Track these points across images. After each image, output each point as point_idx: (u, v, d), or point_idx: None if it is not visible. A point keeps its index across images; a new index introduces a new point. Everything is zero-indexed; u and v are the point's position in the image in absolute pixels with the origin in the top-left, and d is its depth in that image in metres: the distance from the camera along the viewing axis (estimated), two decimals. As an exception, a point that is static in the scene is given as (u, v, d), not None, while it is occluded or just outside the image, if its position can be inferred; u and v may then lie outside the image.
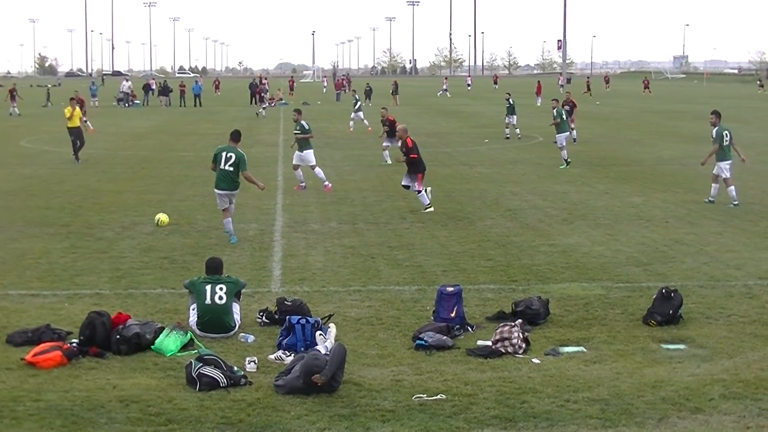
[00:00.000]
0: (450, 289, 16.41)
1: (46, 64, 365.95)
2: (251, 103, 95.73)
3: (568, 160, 39.65)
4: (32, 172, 38.73)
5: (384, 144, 42.06)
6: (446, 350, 14.73)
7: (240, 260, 21.20)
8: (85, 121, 57.96)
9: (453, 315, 16.03)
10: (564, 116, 40.95)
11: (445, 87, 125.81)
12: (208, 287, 15.81)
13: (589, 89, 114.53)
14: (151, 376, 13.61)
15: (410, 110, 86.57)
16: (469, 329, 15.89)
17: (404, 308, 17.24)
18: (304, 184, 33.22)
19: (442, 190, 32.55)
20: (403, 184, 28.65)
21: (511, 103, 54.36)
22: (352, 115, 61.05)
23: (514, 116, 54.20)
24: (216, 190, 23.20)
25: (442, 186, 33.59)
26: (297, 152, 33.49)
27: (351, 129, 59.24)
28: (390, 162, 40.70)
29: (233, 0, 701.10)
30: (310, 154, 33.33)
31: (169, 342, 14.73)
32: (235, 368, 13.46)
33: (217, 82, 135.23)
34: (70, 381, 13.39)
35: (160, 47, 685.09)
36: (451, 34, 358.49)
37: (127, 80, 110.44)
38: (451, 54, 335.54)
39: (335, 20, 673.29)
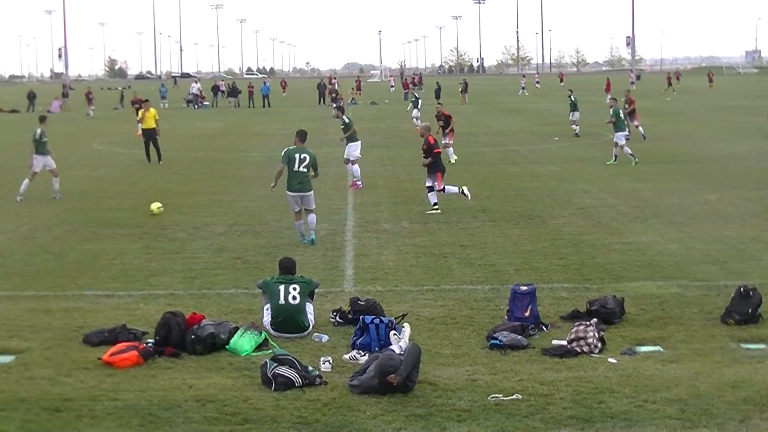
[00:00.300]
0: (524, 288, 16.30)
1: (116, 67, 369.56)
2: (319, 103, 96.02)
3: (635, 157, 39.49)
4: (104, 174, 39.11)
5: (443, 142, 42.08)
6: (521, 350, 14.63)
7: (312, 260, 21.23)
8: (138, 122, 58.49)
9: (527, 314, 15.92)
10: (621, 115, 40.88)
11: (523, 85, 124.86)
12: (282, 287, 15.83)
13: (670, 84, 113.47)
14: (227, 376, 13.65)
15: (477, 109, 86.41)
16: (544, 328, 15.77)
17: (478, 307, 17.16)
18: (360, 183, 33.35)
19: (512, 188, 32.46)
20: (427, 185, 28.29)
21: (573, 100, 54.34)
22: (414, 112, 61.24)
23: (576, 113, 54.11)
24: (289, 192, 23.05)
25: (513, 184, 33.48)
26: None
27: (419, 128, 59.09)
28: (454, 159, 40.94)
29: (300, 1, 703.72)
30: (350, 147, 34.18)
31: (243, 342, 14.77)
32: (310, 368, 13.46)
33: (284, 83, 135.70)
34: (146, 381, 13.47)
35: (227, 49, 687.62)
36: (518, 31, 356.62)
37: (196, 82, 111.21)
38: (518, 52, 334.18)
39: (402, 19, 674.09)
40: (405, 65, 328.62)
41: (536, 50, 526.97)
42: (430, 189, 27.98)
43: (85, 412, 12.26)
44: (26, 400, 12.72)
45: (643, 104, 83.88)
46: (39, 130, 32.20)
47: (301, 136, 23.38)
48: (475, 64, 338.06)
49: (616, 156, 39.80)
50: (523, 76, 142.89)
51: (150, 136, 42.70)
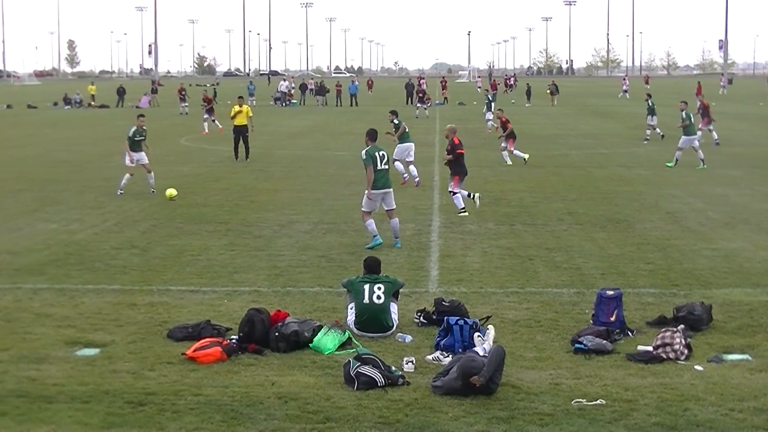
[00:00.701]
0: (610, 292, 16.11)
1: (205, 64, 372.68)
2: (407, 103, 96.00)
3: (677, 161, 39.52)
4: (191, 170, 39.42)
5: (502, 145, 42.42)
6: (606, 355, 14.44)
7: (397, 260, 21.17)
8: (213, 120, 58.84)
9: (613, 319, 15.73)
10: (692, 119, 40.55)
11: (625, 88, 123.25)
12: (367, 286, 15.79)
13: None
14: (309, 374, 13.63)
15: (566, 111, 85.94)
16: (629, 334, 15.56)
17: (562, 311, 16.99)
18: (407, 177, 34.54)
19: (599, 192, 32.18)
20: (450, 189, 28.22)
21: (651, 104, 53.87)
22: (488, 115, 61.06)
23: (655, 117, 53.63)
24: (374, 191, 22.68)
25: (600, 188, 33.20)
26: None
27: (489, 130, 58.72)
28: (510, 162, 41.20)
29: (389, 0, 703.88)
30: (401, 148, 35.23)
31: (327, 340, 14.75)
32: (393, 368, 13.40)
33: (370, 82, 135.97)
34: (229, 377, 13.50)
35: (316, 47, 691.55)
36: (608, 33, 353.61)
37: (285, 80, 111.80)
38: (608, 54, 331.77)
39: (491, 20, 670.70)
40: (493, 66, 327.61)
41: (626, 53, 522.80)
42: (454, 193, 27.88)
43: (167, 406, 12.32)
44: (110, 393, 12.81)
45: (735, 109, 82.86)
46: (134, 128, 32.48)
47: (372, 135, 23.25)
48: (564, 66, 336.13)
49: (702, 160, 39.37)
50: (625, 78, 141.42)
51: (241, 132, 42.92)
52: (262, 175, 37.39)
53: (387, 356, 14.15)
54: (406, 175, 34.56)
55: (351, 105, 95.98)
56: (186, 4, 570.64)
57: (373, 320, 15.57)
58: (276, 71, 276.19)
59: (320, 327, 15.09)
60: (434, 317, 16.02)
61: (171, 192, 30.69)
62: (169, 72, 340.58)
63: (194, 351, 14.22)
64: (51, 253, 22.25)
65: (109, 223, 26.21)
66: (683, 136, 40.20)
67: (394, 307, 15.87)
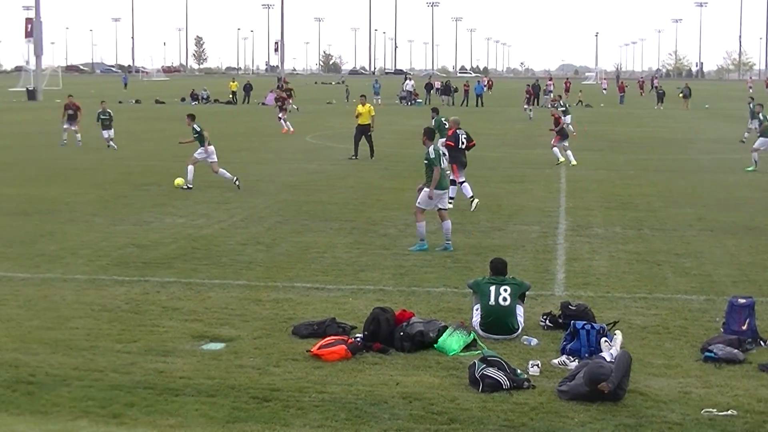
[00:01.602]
0: (742, 300, 15.73)
1: (330, 62, 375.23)
2: (531, 104, 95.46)
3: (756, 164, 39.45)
4: (316, 167, 39.64)
5: (552, 142, 42.31)
6: (737, 364, 14.10)
7: (523, 262, 20.99)
8: (284, 120, 58.73)
9: (744, 328, 15.35)
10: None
11: (751, 92, 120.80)
12: (493, 288, 15.65)
13: None
14: (434, 375, 13.56)
15: (696, 115, 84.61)
16: (762, 344, 15.18)
17: (692, 318, 16.65)
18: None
19: (730, 197, 31.58)
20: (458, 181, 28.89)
21: (752, 108, 53.11)
22: (567, 118, 60.54)
23: (756, 121, 52.70)
24: (438, 191, 22.52)
25: (731, 194, 32.57)
26: None
27: (574, 134, 58.01)
28: (563, 160, 41.00)
29: (517, 1, 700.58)
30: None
31: (452, 341, 14.65)
32: (518, 371, 13.26)
33: (490, 82, 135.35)
34: (353, 375, 13.48)
35: (441, 47, 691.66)
36: (740, 36, 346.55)
37: (410, 79, 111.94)
38: (740, 57, 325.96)
39: (619, 21, 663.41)
40: (621, 68, 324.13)
41: (759, 56, 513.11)
42: (461, 183, 28.77)
43: (292, 402, 12.34)
44: (235, 387, 12.88)
45: None
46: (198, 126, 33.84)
47: (430, 134, 23.22)
48: (694, 69, 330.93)
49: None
50: (750, 81, 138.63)
51: (364, 132, 43.08)
52: (388, 174, 37.44)
53: (512, 359, 14.00)
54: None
55: (477, 105, 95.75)
56: (313, 2, 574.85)
57: (498, 322, 15.43)
58: (401, 70, 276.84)
59: (445, 327, 15.00)
60: (560, 321, 15.82)
61: (179, 181, 32.41)
62: (294, 69, 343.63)
63: (319, 348, 14.23)
64: (178, 247, 22.51)
65: (236, 219, 26.45)
66: (760, 138, 40.31)
67: (520, 310, 15.70)
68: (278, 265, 20.66)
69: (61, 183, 34.09)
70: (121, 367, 13.72)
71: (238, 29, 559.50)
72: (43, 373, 13.45)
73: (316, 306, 17.13)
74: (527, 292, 16.33)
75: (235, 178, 32.59)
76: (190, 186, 32.41)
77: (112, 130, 46.14)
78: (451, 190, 27.76)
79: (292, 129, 57.65)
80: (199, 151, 33.33)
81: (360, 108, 43.84)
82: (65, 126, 48.53)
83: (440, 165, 22.30)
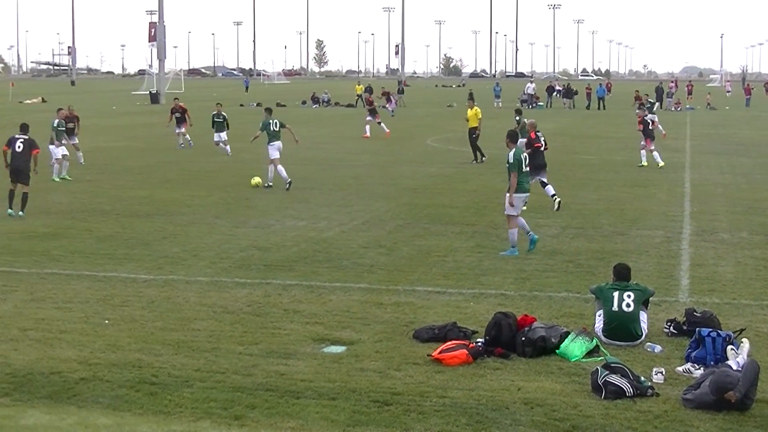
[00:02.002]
0: None
1: (451, 65, 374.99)
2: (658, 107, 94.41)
3: None
4: (437, 171, 39.57)
5: (641, 143, 41.83)
6: None
7: (646, 267, 20.67)
8: (378, 123, 57.66)
9: None
10: None
11: None
12: (616, 294, 15.43)
13: None
14: (556, 381, 13.41)
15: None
16: None
17: (823, 326, 16.24)
18: None
19: None
20: (539, 179, 28.94)
21: None
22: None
23: None
24: (519, 194, 22.38)
25: None
26: None
27: (664, 133, 57.12)
28: (645, 164, 40.68)
29: (639, 2, 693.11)
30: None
31: (574, 347, 14.48)
32: (642, 378, 13.05)
33: (608, 85, 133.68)
34: (475, 380, 13.39)
35: (563, 49, 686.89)
36: None
37: (531, 82, 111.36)
38: None
39: (745, 22, 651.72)
40: (747, 70, 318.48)
41: None
42: (543, 183, 29.18)
43: (413, 407, 12.29)
44: (356, 391, 12.88)
45: None
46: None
47: (513, 137, 23.13)
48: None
49: None
50: None
51: (470, 134, 43.10)
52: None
53: (636, 366, 13.78)
54: None
55: (599, 108, 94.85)
56: (433, 5, 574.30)
57: (622, 328, 15.20)
58: (522, 73, 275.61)
59: (567, 333, 14.84)
60: (685, 328, 15.54)
61: (257, 180, 33.79)
62: (415, 72, 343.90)
63: (440, 353, 14.17)
64: (300, 250, 22.63)
65: (357, 222, 26.51)
66: None
67: (643, 316, 15.46)
68: (399, 268, 20.65)
69: (183, 185, 34.54)
70: (242, 369, 13.81)
71: (359, 32, 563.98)
72: (165, 374, 13.60)
73: (438, 310, 17.06)
74: (651, 298, 16.07)
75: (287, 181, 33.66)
76: (270, 184, 33.87)
77: (224, 133, 46.29)
78: (550, 188, 28.86)
79: (367, 134, 56.59)
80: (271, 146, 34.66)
81: (468, 111, 43.89)
82: (176, 130, 49.25)
83: (518, 170, 22.20)
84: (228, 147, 45.79)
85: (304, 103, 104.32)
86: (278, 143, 34.83)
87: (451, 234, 24.54)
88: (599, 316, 15.50)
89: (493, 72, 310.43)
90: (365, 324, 16.15)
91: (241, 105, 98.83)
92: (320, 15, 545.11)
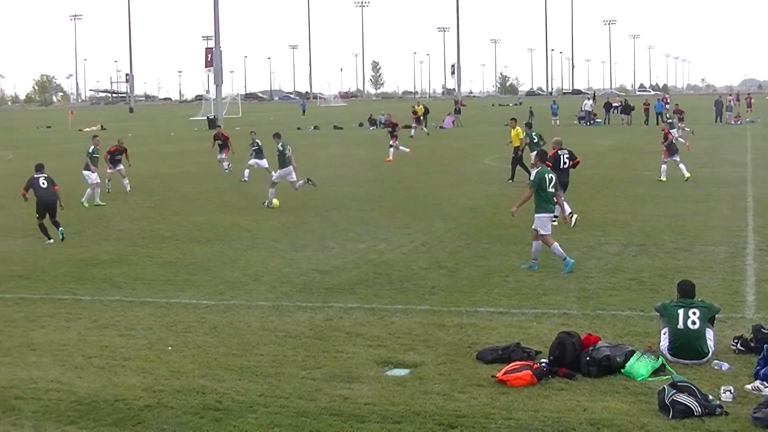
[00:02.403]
0: None
1: (507, 84, 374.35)
2: (716, 121, 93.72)
3: None
4: (496, 190, 39.42)
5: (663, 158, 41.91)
6: None
7: (710, 284, 20.42)
8: (397, 147, 57.06)
9: None
10: None
11: None
12: (681, 311, 15.24)
13: None
14: (622, 400, 13.26)
15: None
16: None
17: None
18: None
19: None
20: None
21: None
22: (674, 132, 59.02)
23: None
24: (545, 215, 22.56)
25: None
26: None
27: (687, 144, 56.68)
28: (664, 179, 40.66)
29: (696, 16, 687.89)
30: None
31: (640, 366, 14.32)
32: (710, 397, 12.87)
33: (665, 99, 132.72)
34: (539, 401, 13.28)
35: (619, 65, 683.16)
36: None
37: (588, 99, 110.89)
38: None
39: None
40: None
41: None
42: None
43: (478, 429, 12.22)
44: (421, 414, 12.81)
45: None
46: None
47: (542, 156, 23.47)
48: None
49: None
50: None
51: (513, 153, 43.02)
52: (570, 196, 36.87)
53: (703, 384, 13.61)
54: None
55: (657, 123, 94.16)
56: (488, 24, 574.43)
57: (688, 346, 15.02)
58: (579, 90, 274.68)
59: (632, 352, 14.68)
60: (753, 345, 15.32)
61: (276, 203, 34.98)
62: (471, 92, 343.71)
63: (504, 374, 14.08)
64: (361, 272, 22.60)
65: (417, 243, 26.44)
66: None
67: (710, 333, 15.26)
68: (461, 289, 20.56)
69: (241, 210, 34.62)
70: (306, 393, 13.79)
71: (415, 53, 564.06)
72: (229, 399, 13.61)
73: (500, 331, 16.96)
74: (717, 315, 15.87)
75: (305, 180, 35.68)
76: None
77: (264, 160, 45.72)
78: (565, 208, 28.30)
79: (390, 158, 55.80)
80: (280, 171, 35.63)
81: (511, 132, 43.93)
82: (219, 156, 49.75)
83: (537, 189, 22.52)
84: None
85: (361, 125, 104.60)
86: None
87: (512, 254, 24.38)
88: (664, 334, 15.33)
89: (549, 89, 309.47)
90: (428, 346, 16.08)
91: (298, 128, 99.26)
92: (375, 36, 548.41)
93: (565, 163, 29.50)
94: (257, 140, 45.85)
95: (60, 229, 28.05)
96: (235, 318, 18.37)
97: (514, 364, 14.39)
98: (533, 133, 42.69)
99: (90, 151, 38.15)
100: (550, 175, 22.90)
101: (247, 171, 45.59)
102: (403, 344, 16.24)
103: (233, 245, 26.84)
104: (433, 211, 32.68)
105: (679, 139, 56.34)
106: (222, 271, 23.14)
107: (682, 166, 41.07)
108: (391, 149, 56.38)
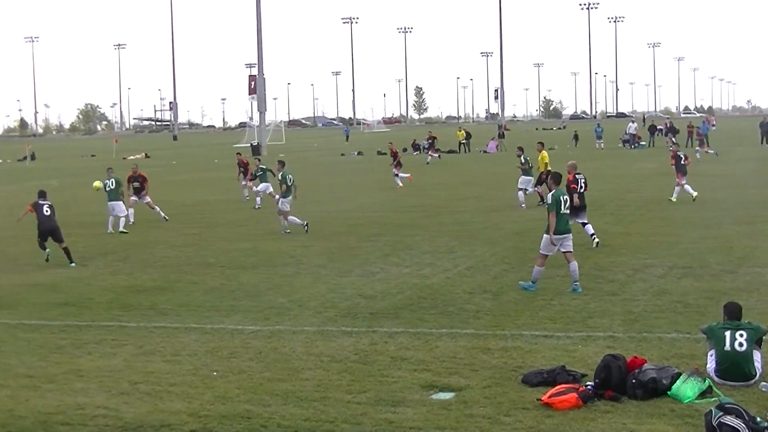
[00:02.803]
0: None
1: (551, 107, 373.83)
2: (761, 143, 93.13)
3: None
4: (540, 214, 38.92)
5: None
6: None
7: (758, 306, 20.23)
8: (396, 175, 57.04)
9: None
10: None
11: None
12: (728, 333, 15.13)
13: None
14: (669, 423, 13.18)
15: None
16: None
17: None
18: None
19: None
20: (578, 221, 29.01)
21: None
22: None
23: None
24: (555, 236, 22.49)
25: None
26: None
27: (702, 157, 56.26)
28: (696, 194, 41.33)
29: (741, 37, 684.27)
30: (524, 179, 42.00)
31: (686, 388, 14.22)
32: (758, 419, 12.75)
33: (709, 120, 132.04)
34: (585, 424, 13.23)
35: (664, 87, 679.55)
36: None
37: (633, 122, 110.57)
38: None
39: None
40: None
41: None
42: (584, 224, 29.82)
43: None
44: (466, 438, 12.78)
45: None
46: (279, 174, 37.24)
47: (557, 179, 23.25)
48: None
49: None
50: None
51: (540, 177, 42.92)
52: (613, 219, 36.83)
53: (751, 406, 13.50)
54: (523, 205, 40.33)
55: (700, 146, 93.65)
56: (531, 48, 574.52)
57: (735, 368, 14.91)
58: (623, 113, 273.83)
59: (679, 374, 14.59)
60: (801, 366, 15.20)
61: (97, 184, 37.63)
62: (515, 116, 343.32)
63: (550, 397, 14.02)
64: (405, 297, 22.59)
65: (461, 268, 26.40)
66: None
67: (757, 355, 15.14)
68: (505, 313, 20.50)
69: (286, 236, 34.65)
70: (351, 417, 13.79)
71: (458, 78, 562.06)
72: (275, 424, 13.63)
73: (545, 354, 16.89)
74: (764, 337, 15.73)
75: (305, 223, 35.32)
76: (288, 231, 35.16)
77: (269, 184, 45.31)
78: (590, 228, 29.38)
79: (401, 184, 55.83)
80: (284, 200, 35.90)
81: (538, 156, 43.85)
82: (242, 183, 50.21)
83: (556, 210, 22.41)
84: (278, 198, 44.29)
85: (405, 150, 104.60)
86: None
87: (556, 277, 24.25)
88: (711, 356, 15.22)
89: (593, 113, 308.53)
90: (473, 370, 16.04)
91: (342, 154, 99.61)
92: (418, 62, 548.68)
93: (581, 187, 29.96)
94: (262, 166, 46.21)
95: (72, 264, 28.98)
96: (279, 343, 18.40)
97: (559, 387, 14.34)
98: (524, 157, 43.70)
99: (104, 184, 38.08)
100: (565, 196, 23.06)
101: (258, 199, 45.80)
102: (447, 368, 16.21)
103: (278, 271, 26.89)
104: (476, 236, 32.64)
105: (696, 155, 56.41)
106: (267, 296, 23.19)
107: (687, 186, 41.64)
108: (396, 178, 56.56)
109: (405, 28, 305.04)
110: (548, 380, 14.93)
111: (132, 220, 39.35)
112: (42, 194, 29.96)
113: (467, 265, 26.77)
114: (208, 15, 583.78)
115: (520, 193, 42.54)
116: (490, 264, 26.92)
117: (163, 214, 40.52)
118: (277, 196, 37.08)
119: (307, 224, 35.21)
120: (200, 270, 27.61)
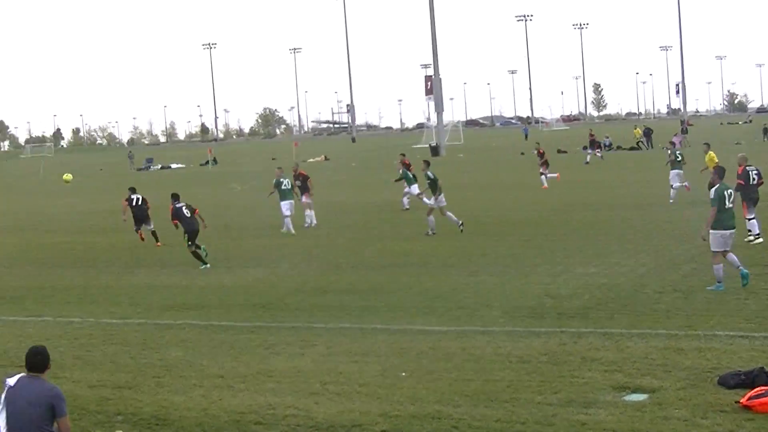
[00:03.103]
0: None
1: (735, 101, 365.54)
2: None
3: None
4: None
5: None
6: None
7: None
8: (545, 175, 56.29)
9: None
10: None
11: None
12: None
13: None
14: None
15: None
16: None
17: None
18: None
19: None
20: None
21: None
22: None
23: None
24: (720, 231, 21.99)
25: None
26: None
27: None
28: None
29: None
30: None
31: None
32: None
33: None
34: None
35: None
36: None
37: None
38: None
39: None
40: None
41: None
42: (750, 219, 29.32)
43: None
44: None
45: None
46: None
47: (721, 173, 22.64)
48: None
49: None
50: None
51: None
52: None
53: None
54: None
55: None
56: (713, 40, 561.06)
57: None
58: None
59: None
60: None
61: (67, 176, 42.00)
62: (697, 111, 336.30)
63: (749, 399, 13.61)
64: (592, 297, 22.24)
65: (649, 266, 25.88)
66: None
67: None
68: (698, 312, 19.99)
69: (472, 235, 34.44)
70: (543, 418, 13.63)
71: (637, 73, 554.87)
72: (465, 425, 13.57)
73: (742, 355, 16.41)
74: None
75: (460, 222, 35.33)
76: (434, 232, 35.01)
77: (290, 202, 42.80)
78: (755, 226, 28.97)
79: (545, 185, 55.10)
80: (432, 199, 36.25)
81: (705, 157, 42.82)
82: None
83: (719, 206, 21.97)
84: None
85: (584, 148, 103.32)
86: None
87: (752, 276, 23.36)
88: None
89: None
90: (666, 371, 15.68)
91: (522, 153, 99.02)
92: (595, 58, 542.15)
93: (753, 179, 29.84)
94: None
95: (202, 247, 30.42)
96: (468, 344, 18.28)
97: (759, 389, 13.88)
98: (677, 152, 44.03)
99: (274, 183, 38.88)
100: (730, 191, 22.53)
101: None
102: (639, 369, 15.89)
103: (463, 271, 26.76)
104: (666, 233, 31.99)
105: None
106: (454, 297, 23.09)
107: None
108: (543, 177, 56.20)
109: (580, 24, 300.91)
110: (746, 382, 14.47)
111: (314, 221, 39.73)
112: (175, 197, 31.68)
113: (656, 264, 26.23)
114: (382, 16, 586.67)
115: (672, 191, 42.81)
116: (680, 262, 26.29)
117: (310, 221, 40.03)
118: (425, 197, 37.31)
119: (462, 223, 35.27)
120: (387, 270, 27.67)
